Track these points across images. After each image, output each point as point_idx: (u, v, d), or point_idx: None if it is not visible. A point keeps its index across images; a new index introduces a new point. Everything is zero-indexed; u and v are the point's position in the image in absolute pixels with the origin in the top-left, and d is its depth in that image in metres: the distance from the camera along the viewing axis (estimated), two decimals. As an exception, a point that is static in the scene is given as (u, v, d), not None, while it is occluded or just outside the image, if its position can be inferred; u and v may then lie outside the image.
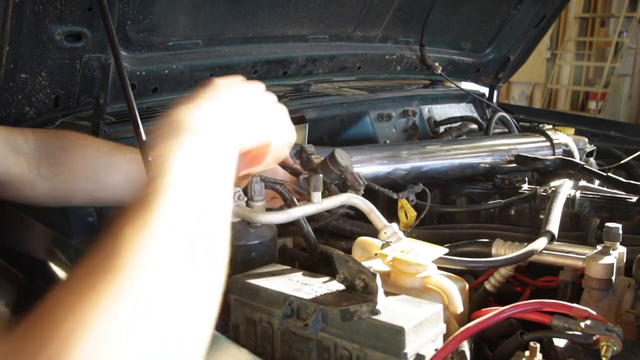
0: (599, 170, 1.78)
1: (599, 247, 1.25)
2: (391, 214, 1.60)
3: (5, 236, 1.18)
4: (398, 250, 1.10)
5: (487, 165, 1.88)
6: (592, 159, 2.24)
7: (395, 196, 1.58)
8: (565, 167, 1.83)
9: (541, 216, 1.50)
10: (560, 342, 1.02)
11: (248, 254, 1.23)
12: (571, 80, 10.78)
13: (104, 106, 1.43)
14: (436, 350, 0.92)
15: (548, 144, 2.05)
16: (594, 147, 2.27)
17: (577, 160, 2.00)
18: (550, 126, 2.14)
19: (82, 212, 1.37)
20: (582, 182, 1.73)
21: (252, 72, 1.83)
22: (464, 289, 1.17)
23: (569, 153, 2.06)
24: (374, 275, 0.89)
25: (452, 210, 1.75)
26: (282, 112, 0.97)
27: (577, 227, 1.56)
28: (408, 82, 2.67)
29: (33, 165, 1.12)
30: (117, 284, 0.46)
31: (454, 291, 1.06)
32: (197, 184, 0.64)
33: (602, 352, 0.93)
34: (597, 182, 1.78)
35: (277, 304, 1.02)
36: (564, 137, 2.10)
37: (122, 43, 1.44)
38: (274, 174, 1.17)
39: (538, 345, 0.94)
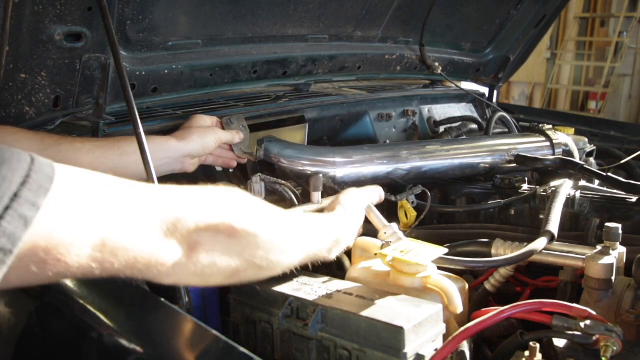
0: (599, 170, 1.78)
1: (599, 247, 1.25)
2: (391, 214, 1.60)
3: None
4: (398, 250, 1.10)
5: (487, 165, 1.88)
6: (592, 159, 2.24)
7: (394, 199, 1.58)
8: (565, 167, 1.83)
9: (541, 216, 1.50)
10: (560, 342, 1.02)
11: (248, 254, 1.23)
12: (571, 80, 10.77)
13: (103, 106, 1.44)
14: (436, 350, 0.92)
15: (548, 144, 2.05)
16: (594, 147, 2.27)
17: (577, 160, 2.00)
18: (550, 126, 2.14)
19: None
20: (582, 182, 1.73)
21: (252, 72, 1.83)
22: (464, 289, 1.17)
23: (569, 153, 2.06)
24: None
25: (452, 210, 1.75)
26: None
27: (577, 227, 1.56)
28: (408, 82, 2.66)
29: None
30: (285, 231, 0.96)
31: (454, 291, 1.06)
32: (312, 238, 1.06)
33: (602, 352, 0.93)
34: (597, 182, 1.78)
35: (277, 304, 1.02)
36: (564, 137, 2.10)
37: (122, 43, 1.44)
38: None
39: (538, 345, 0.94)
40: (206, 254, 0.83)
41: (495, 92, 2.85)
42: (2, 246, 0.58)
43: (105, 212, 0.70)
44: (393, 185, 1.73)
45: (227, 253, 0.86)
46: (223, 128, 1.59)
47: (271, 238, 0.92)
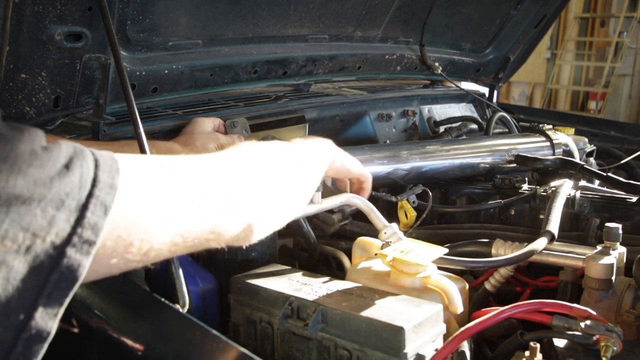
0: (599, 170, 1.78)
1: (599, 247, 1.25)
2: (391, 214, 1.60)
3: None
4: (398, 250, 1.10)
5: (487, 165, 1.88)
6: (592, 159, 2.23)
7: (394, 199, 1.58)
8: (565, 167, 1.83)
9: (541, 216, 1.50)
10: (560, 342, 1.02)
11: (248, 254, 1.23)
12: (571, 80, 10.78)
13: (103, 106, 1.43)
14: (436, 350, 0.92)
15: (548, 144, 2.05)
16: (594, 147, 2.27)
17: (577, 160, 2.00)
18: (550, 126, 2.14)
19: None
20: (582, 182, 1.73)
21: (252, 72, 1.83)
22: (464, 289, 1.17)
23: (569, 153, 2.06)
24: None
25: (452, 210, 1.75)
26: None
27: (577, 227, 1.56)
28: (408, 82, 2.66)
29: None
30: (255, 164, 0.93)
31: (454, 291, 1.06)
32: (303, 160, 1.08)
33: (602, 352, 0.93)
34: (597, 182, 1.78)
35: (277, 304, 1.02)
36: (564, 137, 2.10)
37: (122, 43, 1.44)
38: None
39: (538, 345, 0.94)
40: (260, 224, 0.89)
41: (495, 92, 2.85)
42: (87, 238, 0.58)
43: (176, 196, 0.73)
44: (393, 185, 1.73)
45: (274, 209, 0.93)
46: (226, 129, 1.59)
47: (301, 169, 1.02)
